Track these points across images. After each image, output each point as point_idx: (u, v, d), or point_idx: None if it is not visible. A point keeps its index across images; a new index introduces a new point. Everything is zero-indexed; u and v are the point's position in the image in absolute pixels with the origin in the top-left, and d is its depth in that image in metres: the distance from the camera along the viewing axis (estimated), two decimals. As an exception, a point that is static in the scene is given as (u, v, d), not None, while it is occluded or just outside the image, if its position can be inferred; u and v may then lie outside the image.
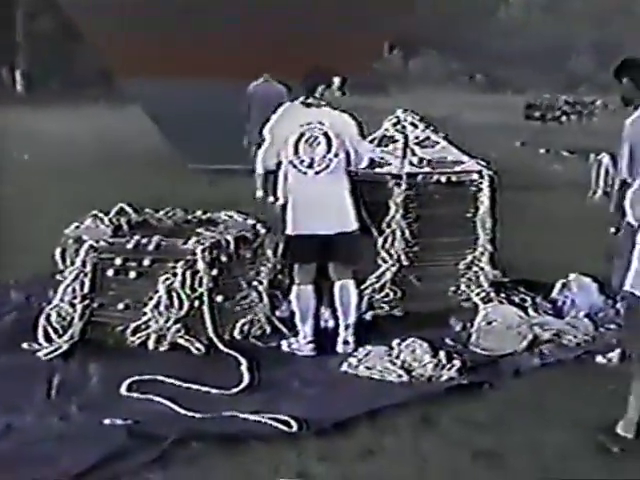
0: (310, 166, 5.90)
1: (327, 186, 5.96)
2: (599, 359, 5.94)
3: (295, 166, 5.89)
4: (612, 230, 5.79)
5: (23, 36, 42.43)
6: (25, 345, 6.05)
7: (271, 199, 6.06)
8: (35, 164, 16.76)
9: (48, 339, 6.11)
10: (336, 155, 5.95)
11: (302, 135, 5.89)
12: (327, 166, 5.93)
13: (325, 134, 5.91)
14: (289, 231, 5.97)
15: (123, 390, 5.29)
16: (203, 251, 6.11)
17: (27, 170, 15.89)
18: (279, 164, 5.98)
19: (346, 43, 14.73)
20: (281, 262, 6.41)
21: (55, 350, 5.97)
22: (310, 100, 5.98)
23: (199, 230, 6.46)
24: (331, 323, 6.32)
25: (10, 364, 5.79)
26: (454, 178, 7.06)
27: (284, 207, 5.97)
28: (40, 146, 19.00)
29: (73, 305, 6.21)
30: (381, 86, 33.45)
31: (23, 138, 20.63)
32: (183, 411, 5.00)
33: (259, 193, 6.05)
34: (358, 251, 6.13)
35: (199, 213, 7.01)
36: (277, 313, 6.46)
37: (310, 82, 5.98)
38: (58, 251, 6.43)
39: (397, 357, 5.73)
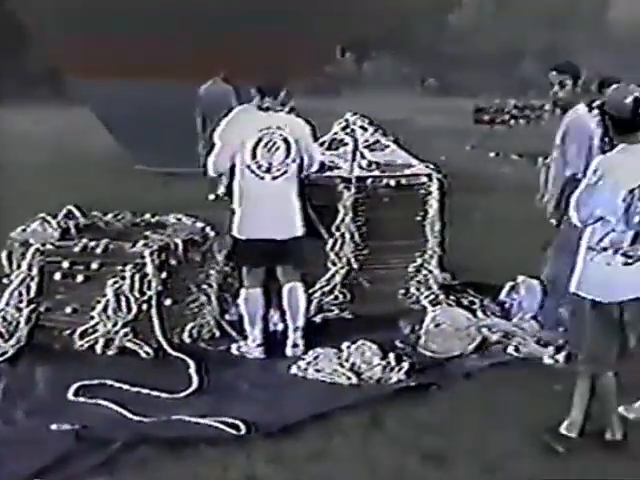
0: (268, 171, 5.90)
1: (280, 191, 5.97)
2: (546, 360, 6.03)
3: (252, 171, 5.89)
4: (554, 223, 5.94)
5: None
6: (-30, 349, 5.97)
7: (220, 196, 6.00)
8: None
9: (-7, 344, 6.02)
10: (294, 160, 5.97)
11: (260, 140, 5.89)
12: (285, 172, 5.95)
13: (284, 139, 5.92)
14: (237, 234, 5.97)
15: (70, 395, 5.26)
16: (152, 254, 6.10)
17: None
18: (232, 167, 5.96)
19: (298, 45, 14.76)
20: (230, 265, 6.40)
21: (1, 355, 5.91)
22: (267, 104, 5.98)
23: (147, 233, 6.44)
24: (280, 326, 6.33)
25: (-45, 369, 5.72)
26: (403, 181, 7.11)
27: (232, 210, 5.96)
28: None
29: (19, 309, 6.16)
30: (333, 89, 33.53)
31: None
32: (131, 415, 4.98)
33: (211, 195, 6.05)
34: (304, 256, 6.16)
35: (148, 216, 6.98)
36: (226, 316, 6.47)
37: (270, 87, 5.97)
38: (4, 254, 6.37)
39: (346, 360, 5.76)
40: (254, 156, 5.88)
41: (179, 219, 6.85)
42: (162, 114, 13.96)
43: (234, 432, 4.83)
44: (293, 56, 14.41)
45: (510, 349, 6.17)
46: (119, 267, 6.08)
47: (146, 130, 14.24)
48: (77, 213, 6.91)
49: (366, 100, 24.53)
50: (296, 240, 6.03)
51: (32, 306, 6.14)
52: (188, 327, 6.26)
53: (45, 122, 24.44)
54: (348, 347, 5.86)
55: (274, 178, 5.93)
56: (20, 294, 6.18)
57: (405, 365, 5.74)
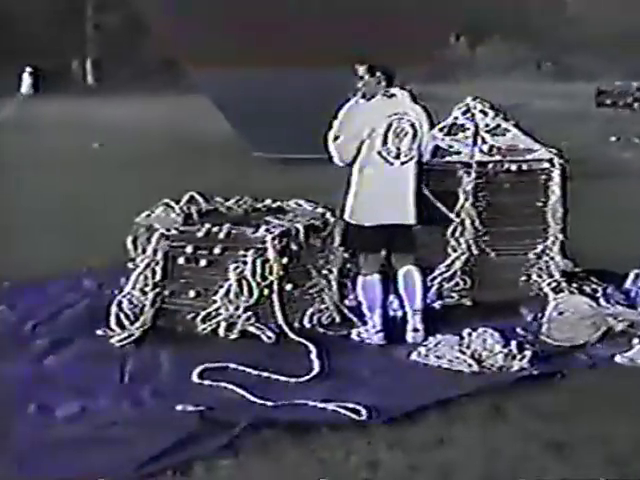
0: (397, 156, 5.89)
1: (402, 176, 5.94)
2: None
3: (383, 157, 5.88)
4: None
5: (93, 28, 43.03)
6: (99, 331, 6.14)
7: None
8: (106, 153, 17.02)
9: (120, 326, 6.17)
10: (419, 146, 5.95)
11: (389, 126, 5.87)
12: (412, 157, 5.93)
13: (411, 125, 5.90)
14: (350, 219, 5.96)
15: (195, 377, 5.33)
16: (273, 239, 6.12)
17: (98, 159, 16.15)
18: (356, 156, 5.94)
19: (411, 31, 14.61)
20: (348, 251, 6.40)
21: (128, 337, 6.04)
22: (393, 91, 5.94)
23: (268, 218, 6.48)
24: (400, 313, 6.27)
25: (84, 349, 5.90)
26: (525, 167, 6.98)
27: (346, 195, 5.95)
28: (110, 136, 19.27)
29: (145, 293, 6.27)
30: (447, 74, 33.21)
31: (93, 128, 20.95)
32: (254, 398, 5.02)
33: None
34: (416, 241, 6.11)
35: (268, 201, 7.01)
36: (346, 302, 6.45)
37: (388, 73, 5.93)
38: (129, 239, 6.49)
39: (467, 347, 5.69)
40: (385, 142, 5.85)
41: (299, 204, 6.86)
42: (279, 101, 14.03)
43: (356, 417, 4.81)
44: (407, 41, 14.27)
45: (636, 340, 5.97)
46: (241, 252, 6.13)
47: (264, 117, 14.33)
48: (199, 199, 6.98)
49: (480, 84, 24.24)
50: (408, 227, 6.00)
51: (157, 290, 6.24)
52: (308, 312, 6.27)
53: (166, 111, 24.95)
54: (469, 334, 5.79)
55: (402, 164, 5.91)
56: (145, 278, 6.28)
57: (527, 353, 5.63)
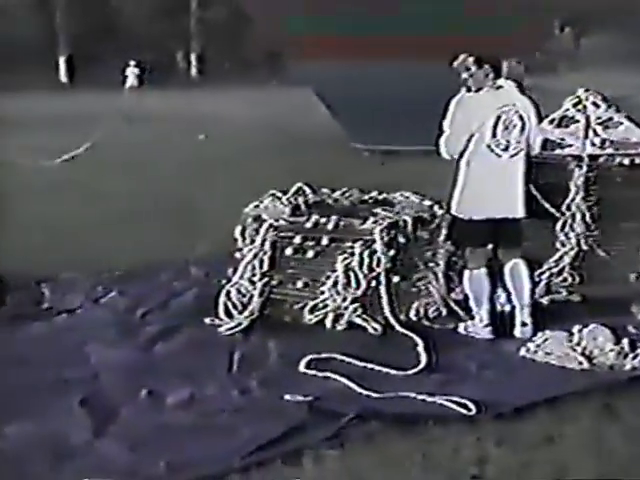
0: (506, 149, 5.81)
1: (510, 170, 5.85)
2: None
3: (492, 150, 5.79)
4: None
5: (197, 22, 43.65)
6: (207, 320, 6.19)
7: None
8: (211, 145, 17.22)
9: (228, 315, 6.23)
10: (527, 138, 5.85)
11: (498, 118, 5.78)
12: (521, 149, 5.84)
13: (520, 117, 5.81)
14: (456, 213, 5.88)
15: (302, 367, 5.34)
16: (381, 231, 6.09)
17: (204, 151, 16.35)
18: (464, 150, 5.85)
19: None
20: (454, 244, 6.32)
21: (236, 326, 6.09)
22: (500, 82, 5.85)
23: (376, 210, 6.45)
24: (508, 307, 6.18)
25: (193, 338, 5.96)
26: (638, 160, 6.77)
27: (453, 189, 5.87)
28: (214, 128, 19.49)
29: (253, 282, 6.30)
30: (551, 66, 32.62)
31: (198, 121, 21.22)
32: (361, 390, 5.00)
33: None
34: (523, 236, 6.00)
35: (375, 193, 6.98)
36: (453, 295, 6.38)
37: (495, 65, 5.83)
38: (238, 229, 6.53)
39: (578, 344, 5.56)
40: (494, 134, 5.77)
41: (406, 197, 6.81)
42: (381, 92, 13.97)
43: (464, 412, 4.75)
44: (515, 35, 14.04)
45: None
46: (348, 243, 6.12)
47: (365, 109, 14.28)
48: (307, 190, 7.00)
49: (584, 76, 23.69)
50: (515, 220, 5.89)
51: (265, 279, 6.27)
52: (415, 304, 6.22)
53: (269, 103, 25.13)
54: (579, 331, 5.66)
55: (511, 156, 5.81)
56: (253, 268, 6.32)
57: (640, 352, 5.47)
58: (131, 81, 36.85)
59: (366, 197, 6.94)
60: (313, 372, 5.28)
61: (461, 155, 5.83)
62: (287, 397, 4.88)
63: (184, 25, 43.02)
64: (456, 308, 6.24)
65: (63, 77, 43.94)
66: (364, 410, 4.69)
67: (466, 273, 6.01)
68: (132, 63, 37.16)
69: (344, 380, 5.12)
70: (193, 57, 44.28)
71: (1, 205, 10.26)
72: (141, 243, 8.46)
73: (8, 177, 12.38)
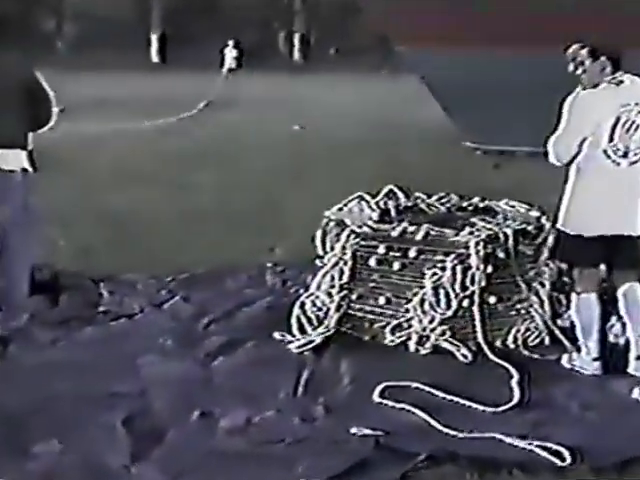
0: (625, 155, 5.56)
1: (629, 180, 5.58)
2: None
3: (609, 156, 5.56)
4: None
5: (301, 2, 43.94)
6: (276, 335, 6.14)
7: None
8: (306, 136, 17.25)
9: (301, 330, 6.17)
10: None
11: (618, 119, 5.56)
12: None
13: None
14: (564, 227, 5.66)
15: (376, 396, 5.22)
16: (477, 244, 5.95)
17: (297, 142, 16.38)
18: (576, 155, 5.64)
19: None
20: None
21: (307, 343, 6.01)
22: (620, 77, 5.59)
23: (474, 220, 6.32)
24: (623, 339, 5.94)
25: (258, 353, 5.91)
26: None
27: (561, 199, 5.66)
28: (313, 117, 19.54)
29: (330, 295, 6.24)
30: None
31: (296, 108, 21.32)
32: (440, 426, 4.86)
33: None
34: None
35: (476, 200, 6.85)
36: (559, 322, 6.18)
37: (613, 57, 5.59)
38: (319, 234, 6.48)
39: (703, 387, 5.29)
40: (612, 138, 5.55)
41: (512, 206, 6.66)
42: (499, 87, 13.72)
43: (557, 461, 4.53)
44: (630, 22, 13.58)
45: None
46: (439, 256, 6.00)
47: (480, 103, 14.05)
48: (399, 193, 6.91)
49: None
50: (633, 238, 5.64)
51: (343, 292, 6.19)
52: (513, 330, 6.06)
53: (375, 92, 25.08)
54: None
55: (631, 164, 5.56)
56: (332, 279, 6.26)
57: None
58: (229, 63, 37.33)
59: (465, 204, 6.83)
60: (388, 402, 5.16)
61: (572, 161, 5.62)
62: (354, 430, 4.78)
63: (288, 3, 43.36)
64: (561, 337, 6.03)
65: (155, 57, 44.84)
66: (439, 450, 4.55)
67: (574, 297, 5.79)
68: (230, 43, 37.63)
69: (421, 414, 4.99)
70: (296, 39, 44.57)
71: (65, 195, 10.42)
72: (215, 243, 8.50)
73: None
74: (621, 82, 5.57)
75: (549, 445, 4.63)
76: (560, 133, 5.58)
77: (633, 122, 5.52)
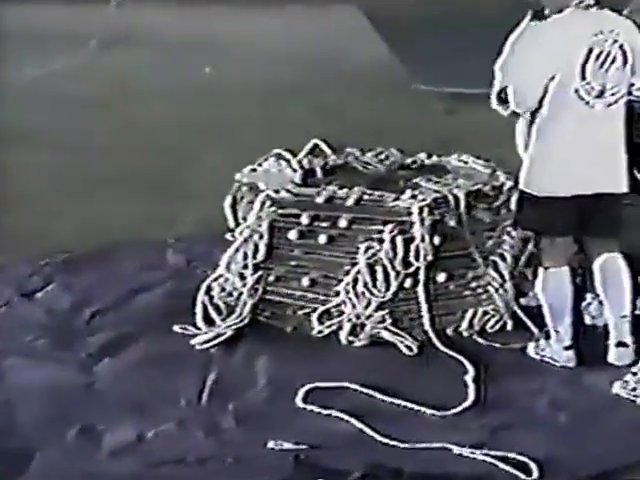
0: (600, 95, 5.58)
1: (606, 126, 5.64)
2: None
3: (581, 97, 5.57)
4: None
5: None
6: (177, 328, 6.14)
7: None
8: (220, 80, 17.17)
9: (208, 321, 6.18)
10: (629, 81, 5.61)
11: (590, 51, 5.55)
12: (622, 96, 5.62)
13: (621, 49, 5.55)
14: (527, 188, 5.70)
15: (299, 401, 5.28)
16: (422, 210, 5.99)
17: (208, 88, 16.29)
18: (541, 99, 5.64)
19: None
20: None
21: (215, 337, 6.03)
22: (589, 1, 5.58)
23: (418, 180, 6.36)
24: (600, 321, 6.05)
25: (154, 352, 5.92)
26: None
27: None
28: (229, 56, 19.45)
29: (243, 277, 6.25)
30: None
31: (206, 46, 21.19)
32: (378, 436, 4.91)
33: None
34: (623, 220, 5.81)
35: (421, 155, 6.89)
36: (522, 301, 6.27)
37: None
38: (227, 201, 6.52)
39: (699, 380, 5.44)
40: (584, 75, 5.54)
41: (465, 162, 6.73)
42: (452, 20, 13.83)
43: (521, 475, 4.59)
44: None
45: None
46: (376, 226, 6.03)
47: (431, 40, 14.16)
48: (326, 149, 6.93)
49: None
50: (613, 198, 5.71)
51: (259, 273, 6.22)
52: (468, 314, 6.13)
53: (295, 24, 25.04)
54: (697, 360, 5.54)
55: (608, 105, 5.59)
56: (245, 256, 6.27)
57: None
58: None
59: (408, 161, 6.87)
60: (314, 408, 5.22)
61: (539, 107, 5.61)
62: (271, 444, 4.83)
63: None
64: (526, 320, 6.12)
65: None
66: (376, 466, 4.62)
67: (541, 273, 5.84)
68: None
69: (355, 421, 5.04)
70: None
71: None
72: (103, 214, 8.45)
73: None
74: (589, 6, 5.58)
75: (511, 455, 4.72)
76: (518, 74, 5.55)
77: (608, 54, 5.53)
